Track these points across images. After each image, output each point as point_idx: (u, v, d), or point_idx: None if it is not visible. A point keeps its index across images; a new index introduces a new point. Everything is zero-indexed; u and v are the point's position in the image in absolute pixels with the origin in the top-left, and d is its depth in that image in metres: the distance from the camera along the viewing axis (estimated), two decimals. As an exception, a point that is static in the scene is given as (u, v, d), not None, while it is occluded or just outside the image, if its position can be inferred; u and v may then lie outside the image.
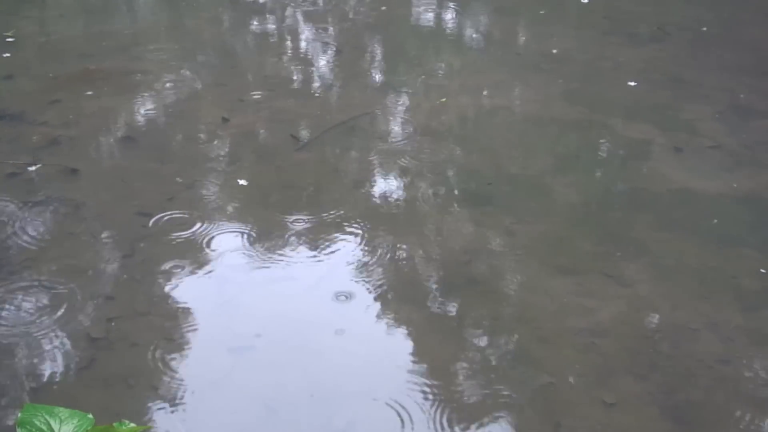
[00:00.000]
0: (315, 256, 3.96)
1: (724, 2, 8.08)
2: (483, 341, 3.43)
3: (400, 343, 3.40)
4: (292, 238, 4.11)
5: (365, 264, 3.91)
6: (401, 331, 3.47)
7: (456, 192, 4.60)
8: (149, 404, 3.07)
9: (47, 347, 3.33)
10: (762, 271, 3.89)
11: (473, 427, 3.01)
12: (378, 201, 4.47)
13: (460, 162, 4.94)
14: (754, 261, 3.96)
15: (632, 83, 6.04)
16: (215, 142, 5.08)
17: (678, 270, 3.90)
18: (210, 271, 3.85)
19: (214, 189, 4.54)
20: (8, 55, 6.41)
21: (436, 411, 3.08)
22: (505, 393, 3.15)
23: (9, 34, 6.79)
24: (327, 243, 4.06)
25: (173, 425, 2.99)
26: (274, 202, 4.46)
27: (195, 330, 3.47)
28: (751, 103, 5.74)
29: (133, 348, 3.34)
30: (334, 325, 3.52)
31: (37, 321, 3.48)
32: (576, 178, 4.74)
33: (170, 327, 3.46)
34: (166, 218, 4.22)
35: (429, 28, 7.51)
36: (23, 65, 6.30)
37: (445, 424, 3.03)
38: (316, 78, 6.27)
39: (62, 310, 3.54)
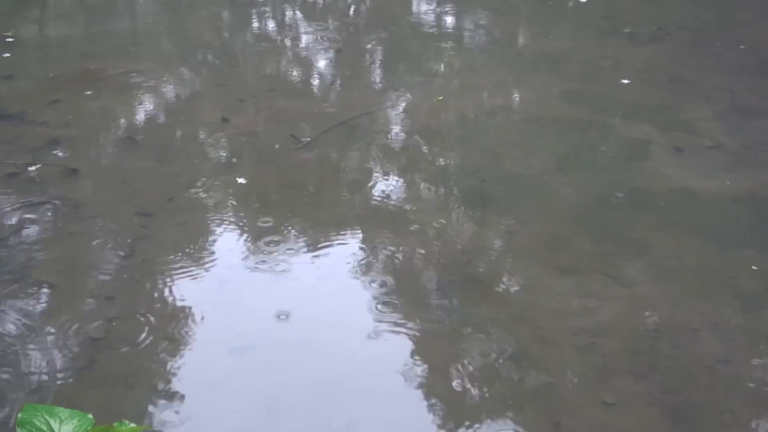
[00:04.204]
0: (315, 256, 3.96)
1: (724, 2, 8.08)
2: (483, 341, 3.42)
3: (400, 343, 3.40)
4: (292, 237, 4.11)
5: (365, 264, 3.91)
6: (401, 331, 3.47)
7: (456, 192, 4.60)
8: (149, 404, 3.07)
9: (47, 347, 3.33)
10: (754, 268, 3.89)
11: (473, 426, 3.01)
12: (378, 201, 4.47)
13: (460, 162, 4.94)
14: (754, 261, 3.96)
15: (626, 81, 6.04)
16: (215, 142, 5.07)
17: (678, 270, 3.90)
18: (210, 271, 3.85)
19: (213, 189, 4.54)
20: (8, 55, 6.41)
21: (436, 411, 3.08)
22: (505, 393, 3.15)
23: (9, 34, 6.79)
24: (327, 243, 4.06)
25: (173, 425, 2.99)
26: (274, 202, 4.46)
27: (195, 330, 3.46)
28: (751, 103, 5.74)
29: (133, 348, 3.33)
30: (334, 325, 3.52)
31: (37, 321, 3.48)
32: (576, 178, 4.74)
33: (170, 327, 3.46)
34: (165, 217, 4.23)
35: (429, 28, 7.51)
36: (23, 65, 6.30)
37: (446, 424, 3.03)
38: (316, 78, 6.27)
39: (62, 310, 3.54)
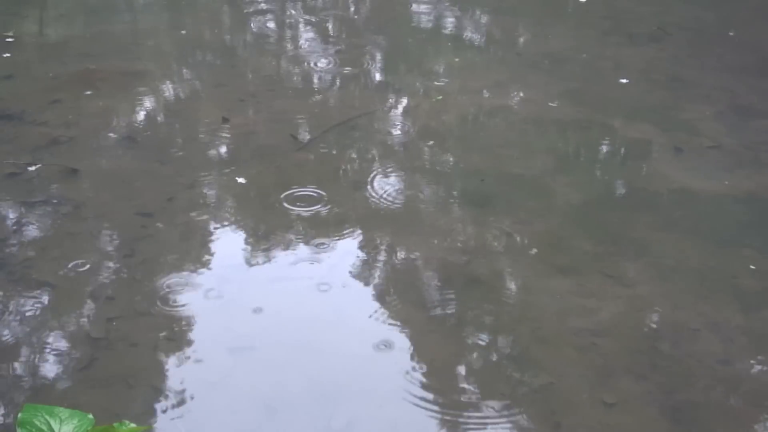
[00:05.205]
0: (315, 256, 3.96)
1: (724, 2, 8.08)
2: (483, 341, 3.43)
3: (400, 343, 3.40)
4: (293, 238, 4.11)
5: (365, 264, 3.91)
6: (401, 331, 3.47)
7: (456, 192, 4.60)
8: (149, 404, 3.07)
9: (47, 347, 3.33)
10: (752, 267, 3.89)
11: (473, 427, 3.01)
12: (378, 201, 4.47)
13: (460, 162, 4.94)
14: (754, 261, 3.96)
15: (625, 81, 6.04)
16: (215, 142, 5.07)
17: (678, 270, 3.90)
18: (210, 271, 3.85)
19: (213, 189, 4.54)
20: (8, 55, 6.41)
21: (435, 411, 3.08)
22: (505, 393, 3.15)
23: (9, 34, 6.79)
24: (327, 243, 4.06)
25: (173, 425, 2.99)
26: (274, 202, 4.46)
27: (195, 330, 3.46)
28: (751, 103, 5.74)
29: (133, 348, 3.33)
30: (334, 325, 3.52)
31: (38, 321, 3.48)
32: (576, 178, 4.74)
33: (170, 327, 3.46)
34: (165, 217, 4.23)
35: (429, 28, 7.50)
36: (23, 65, 6.30)
37: (445, 424, 3.03)
38: (316, 78, 6.27)
39: (62, 310, 3.54)
